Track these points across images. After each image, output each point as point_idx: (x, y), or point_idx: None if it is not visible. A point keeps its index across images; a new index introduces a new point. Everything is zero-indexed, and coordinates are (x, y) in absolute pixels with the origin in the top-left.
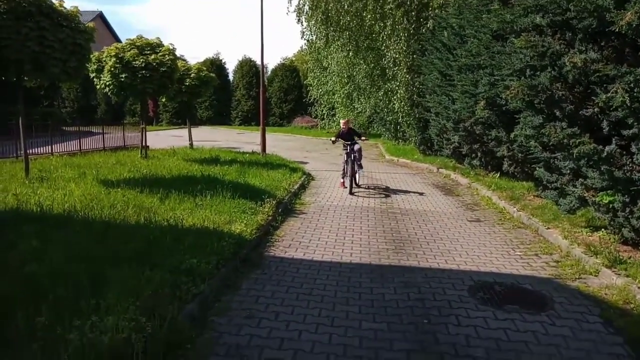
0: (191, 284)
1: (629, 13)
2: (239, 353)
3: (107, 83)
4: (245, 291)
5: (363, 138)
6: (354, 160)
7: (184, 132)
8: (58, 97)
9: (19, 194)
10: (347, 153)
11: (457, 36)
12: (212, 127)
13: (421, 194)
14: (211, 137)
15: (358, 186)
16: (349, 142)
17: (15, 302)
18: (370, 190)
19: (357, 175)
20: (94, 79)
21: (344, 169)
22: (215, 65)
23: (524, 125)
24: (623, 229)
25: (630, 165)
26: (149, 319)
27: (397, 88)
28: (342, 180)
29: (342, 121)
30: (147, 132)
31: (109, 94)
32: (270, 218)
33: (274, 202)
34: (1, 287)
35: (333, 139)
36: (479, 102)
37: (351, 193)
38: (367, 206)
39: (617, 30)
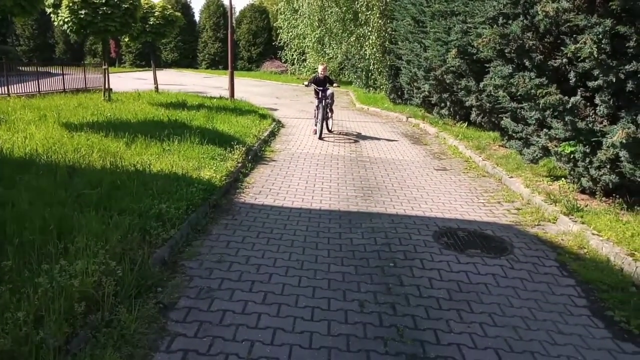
0: (161, 229)
1: None
2: (210, 295)
3: (66, 20)
4: (216, 236)
5: (335, 85)
6: (325, 106)
7: (147, 74)
8: (11, 33)
9: None
10: (319, 99)
11: None
12: (178, 70)
13: (390, 142)
14: (177, 81)
15: (330, 132)
16: (322, 88)
17: None
18: (341, 138)
19: (329, 121)
20: (51, 15)
21: (315, 116)
22: (180, 4)
23: (494, 75)
24: (582, 178)
25: (593, 116)
26: (119, 263)
27: (369, 33)
28: (314, 128)
29: (320, 66)
30: (110, 74)
31: (67, 31)
32: (239, 165)
33: (243, 148)
34: None
35: (306, 83)
36: (450, 50)
37: (321, 138)
38: (337, 154)
39: None
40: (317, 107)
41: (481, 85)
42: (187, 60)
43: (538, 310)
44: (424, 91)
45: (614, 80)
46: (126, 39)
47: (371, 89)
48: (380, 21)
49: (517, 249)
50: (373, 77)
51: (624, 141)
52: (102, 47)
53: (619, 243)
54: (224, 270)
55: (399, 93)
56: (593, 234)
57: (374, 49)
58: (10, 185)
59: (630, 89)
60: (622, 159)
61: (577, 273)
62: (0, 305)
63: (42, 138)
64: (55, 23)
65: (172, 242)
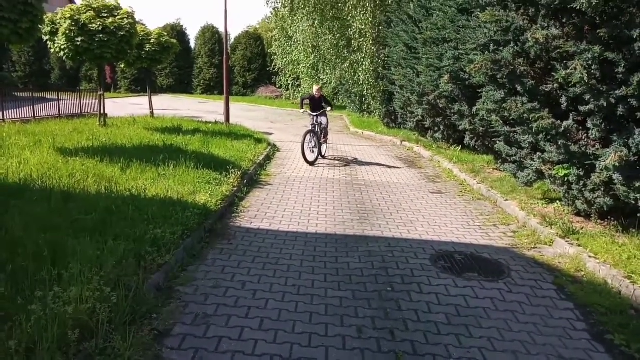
0: (156, 254)
1: None
2: (206, 321)
3: (62, 47)
4: (211, 261)
5: (329, 109)
6: (319, 132)
7: (143, 100)
8: (7, 60)
9: None
10: (312, 125)
11: (423, 9)
12: (173, 96)
13: (385, 165)
14: (172, 106)
15: (323, 157)
16: (316, 114)
17: None
18: (336, 162)
19: (323, 147)
20: (48, 42)
21: (304, 141)
22: (176, 31)
23: (486, 100)
24: (577, 201)
25: (586, 140)
26: (113, 289)
27: (362, 60)
28: (304, 156)
29: (315, 86)
30: (106, 100)
31: (64, 58)
32: (235, 189)
33: (239, 172)
34: None
35: (302, 109)
36: (443, 75)
37: (312, 164)
38: (332, 178)
39: (578, 7)
40: (309, 132)
41: (474, 109)
42: (182, 85)
43: (538, 334)
44: (418, 115)
45: (605, 105)
46: (122, 65)
47: (365, 113)
48: (373, 48)
49: (515, 272)
50: (367, 101)
51: (617, 164)
52: (98, 74)
53: (616, 266)
54: (219, 295)
55: (393, 117)
56: (590, 256)
57: (368, 75)
58: (4, 211)
59: (621, 113)
60: (616, 181)
61: (576, 296)
62: None
63: (37, 163)
64: (52, 50)
65: (167, 267)
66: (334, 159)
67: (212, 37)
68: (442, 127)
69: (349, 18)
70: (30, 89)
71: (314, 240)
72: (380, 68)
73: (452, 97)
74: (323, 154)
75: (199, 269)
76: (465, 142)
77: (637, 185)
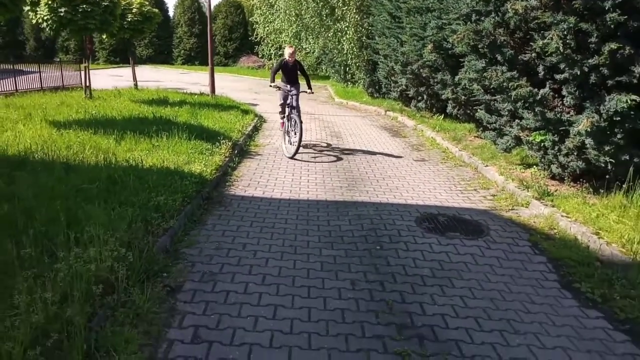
0: (161, 220)
1: None
2: (213, 278)
3: (45, 18)
4: (211, 226)
5: (308, 91)
6: (295, 116)
7: (122, 71)
8: None
9: None
10: (288, 105)
11: None
12: (154, 67)
13: (370, 135)
14: (154, 77)
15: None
16: (291, 89)
17: None
18: (321, 133)
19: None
20: (28, 12)
21: (284, 129)
22: None
23: (468, 69)
24: (552, 165)
25: (561, 107)
26: (127, 250)
27: (346, 28)
28: (281, 121)
29: (288, 49)
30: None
31: (46, 29)
32: (227, 159)
33: (229, 143)
34: None
35: (272, 83)
36: (426, 45)
37: (293, 157)
38: (321, 147)
39: None
40: (286, 116)
41: (456, 78)
42: (162, 56)
43: (513, 284)
44: (401, 85)
45: (579, 73)
46: (104, 36)
47: (349, 83)
48: (357, 16)
49: (493, 231)
50: (351, 71)
51: (588, 129)
52: (82, 45)
53: (586, 223)
54: (222, 256)
55: (377, 87)
56: (562, 216)
57: (352, 44)
58: (10, 182)
59: (594, 81)
60: (588, 146)
61: (548, 251)
62: (27, 288)
63: (32, 136)
64: (34, 21)
65: (171, 231)
66: (320, 129)
67: (192, 5)
68: (425, 97)
69: None
70: (11, 62)
71: (306, 206)
72: (364, 37)
73: (435, 66)
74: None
75: (200, 233)
76: (447, 111)
77: (606, 149)
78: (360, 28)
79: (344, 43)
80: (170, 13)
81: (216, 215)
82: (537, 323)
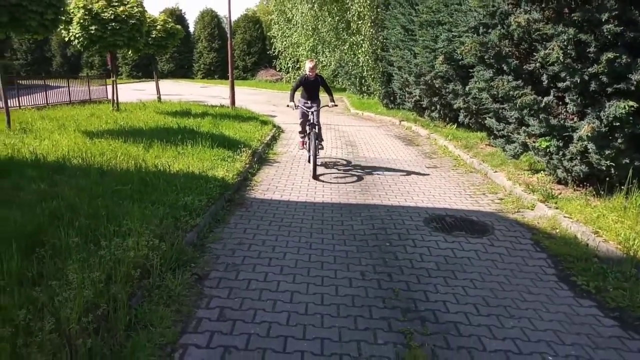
0: (188, 217)
1: None
2: (236, 269)
3: (77, 35)
4: (234, 225)
5: (331, 104)
6: (316, 133)
7: (145, 85)
8: (8, 48)
9: (8, 144)
10: (308, 124)
11: None
12: (174, 81)
13: (384, 143)
14: (175, 91)
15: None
16: (311, 106)
17: (49, 228)
18: (337, 142)
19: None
20: (61, 31)
21: (302, 126)
22: (175, 15)
23: (477, 79)
24: (557, 170)
25: (564, 114)
26: (160, 242)
27: (361, 42)
28: (301, 140)
29: (309, 63)
30: (108, 86)
31: (78, 46)
32: (247, 166)
33: (249, 151)
34: (33, 219)
35: (291, 103)
36: (438, 56)
37: (315, 177)
38: (336, 156)
39: None
40: (307, 134)
41: (467, 88)
42: (182, 70)
43: (513, 277)
44: (415, 96)
45: (579, 81)
46: (129, 52)
47: (365, 94)
48: (372, 30)
49: (498, 230)
50: (366, 83)
51: (589, 135)
52: (110, 61)
53: (586, 223)
54: (244, 250)
55: (392, 98)
56: (564, 216)
57: (367, 57)
58: (53, 184)
59: (594, 89)
60: (590, 150)
61: (549, 249)
62: (78, 269)
63: (68, 144)
64: (66, 38)
65: (198, 228)
66: (335, 139)
67: (211, 21)
68: (438, 107)
69: (348, 1)
70: (42, 77)
71: (321, 208)
72: (378, 50)
73: (447, 77)
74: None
75: (224, 231)
76: (459, 120)
77: (607, 153)
78: (375, 41)
79: (360, 56)
80: (191, 29)
81: (238, 215)
82: (532, 309)
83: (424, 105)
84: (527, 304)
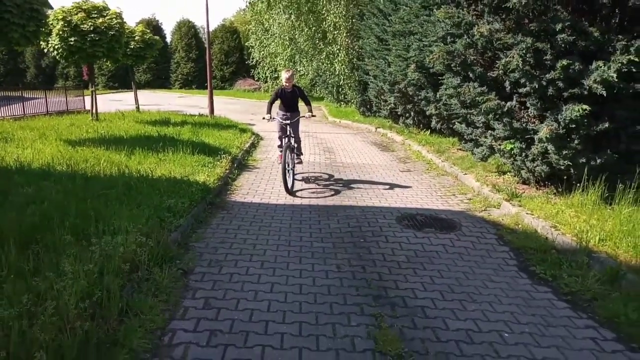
0: (172, 218)
1: None
2: (219, 264)
3: (56, 47)
4: (216, 226)
5: (308, 115)
6: (292, 147)
7: (122, 96)
8: None
9: None
10: (283, 136)
11: (392, 3)
12: (152, 91)
13: (361, 150)
14: (153, 101)
15: (292, 189)
16: (288, 119)
17: (41, 228)
18: (315, 148)
19: (295, 166)
20: (40, 42)
21: (280, 139)
22: (151, 26)
23: (447, 86)
24: (521, 170)
25: (526, 117)
26: (147, 239)
27: (338, 51)
28: (279, 154)
29: (285, 73)
30: (87, 97)
31: (57, 57)
32: (227, 171)
33: (229, 157)
34: (25, 219)
35: (267, 116)
36: (410, 65)
37: (291, 193)
38: (314, 161)
39: (510, 6)
40: (287, 147)
41: (438, 95)
42: (160, 80)
43: (477, 268)
44: (390, 103)
45: (537, 87)
46: (107, 63)
47: (342, 103)
48: (347, 40)
49: (465, 227)
50: (343, 91)
51: (548, 136)
52: (89, 72)
53: (546, 219)
54: (226, 248)
55: (368, 106)
56: (527, 213)
57: (343, 66)
58: (39, 189)
59: (551, 93)
60: (550, 151)
61: (511, 242)
62: (72, 262)
63: (51, 152)
64: (45, 50)
65: (182, 228)
66: (312, 146)
67: (188, 31)
68: (412, 114)
69: (324, 11)
70: (19, 88)
71: (300, 209)
72: (354, 59)
73: (419, 84)
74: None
75: (206, 231)
76: (432, 126)
77: (565, 153)
78: (351, 50)
79: (336, 65)
80: (168, 39)
81: (219, 217)
82: (493, 295)
83: (398, 113)
84: (488, 290)
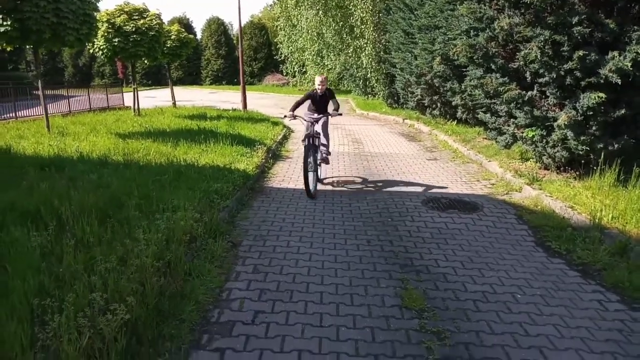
0: (219, 200)
1: None
2: (263, 238)
3: (101, 47)
4: (257, 207)
5: (333, 112)
6: (316, 146)
7: (155, 92)
8: (22, 60)
9: (53, 145)
10: (308, 135)
11: None
12: (184, 87)
13: (389, 140)
14: (186, 97)
15: (321, 182)
16: (314, 118)
17: (112, 206)
18: (344, 139)
19: (319, 169)
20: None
21: (305, 162)
22: (182, 24)
23: (471, 77)
24: (543, 156)
25: (547, 106)
26: (202, 216)
27: (365, 45)
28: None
29: (318, 78)
30: (123, 94)
31: (102, 57)
32: (263, 160)
33: (264, 148)
34: (99, 199)
35: (288, 114)
36: (435, 58)
37: (312, 196)
38: (343, 151)
39: (529, 2)
40: (309, 147)
41: (463, 86)
42: (191, 77)
43: (496, 243)
44: (417, 95)
45: (556, 77)
46: (146, 61)
47: (369, 95)
48: (374, 34)
49: (487, 208)
50: (370, 84)
51: (566, 123)
52: (130, 70)
53: (564, 200)
54: (268, 225)
55: (395, 98)
56: (546, 195)
57: (370, 59)
58: (101, 175)
59: (570, 83)
60: (569, 138)
61: (530, 222)
62: (143, 232)
63: (105, 144)
64: (91, 50)
65: (228, 209)
66: (342, 137)
67: (218, 28)
68: (439, 105)
69: (351, 6)
70: (64, 87)
71: (331, 194)
72: (381, 52)
73: (445, 76)
74: (319, 177)
75: (249, 212)
76: (458, 116)
77: (583, 139)
78: (378, 44)
79: (363, 58)
80: (198, 36)
81: (259, 200)
82: (510, 265)
83: (425, 104)
84: (505, 261)
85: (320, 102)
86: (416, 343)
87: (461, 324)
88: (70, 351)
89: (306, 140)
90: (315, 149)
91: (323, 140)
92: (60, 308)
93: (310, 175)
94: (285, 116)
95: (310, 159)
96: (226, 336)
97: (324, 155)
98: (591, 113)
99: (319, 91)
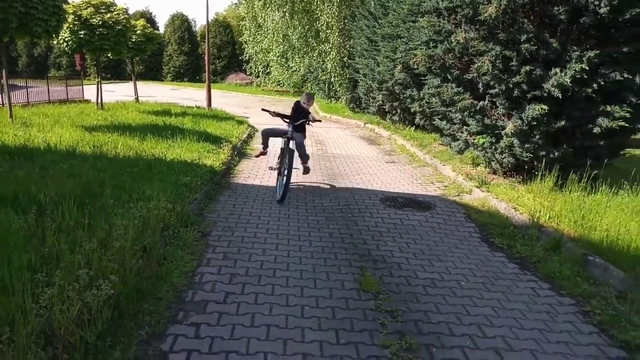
0: (189, 193)
1: (492, 7)
2: (231, 229)
3: (67, 39)
4: (224, 201)
5: (312, 118)
6: (291, 150)
7: (115, 86)
8: None
9: (19, 135)
10: (285, 135)
11: (382, 7)
12: (145, 82)
13: (350, 143)
14: (147, 93)
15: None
16: (291, 134)
17: (87, 195)
18: (307, 140)
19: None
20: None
21: (278, 163)
22: (145, 18)
23: (429, 86)
24: (492, 162)
25: (496, 115)
26: (173, 207)
27: (329, 50)
28: (261, 150)
29: (306, 94)
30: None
31: (66, 49)
32: (229, 157)
33: (230, 145)
34: (72, 189)
35: (276, 112)
36: (397, 66)
37: (281, 201)
38: (307, 152)
39: (482, 19)
40: (286, 149)
41: (421, 94)
42: (152, 72)
43: (445, 238)
44: (378, 101)
45: (505, 89)
46: (109, 55)
47: (332, 99)
48: (339, 39)
49: (439, 207)
50: (334, 88)
51: (512, 132)
52: (96, 63)
53: (508, 202)
54: (235, 218)
55: (357, 103)
56: (493, 197)
57: (335, 63)
58: (71, 166)
59: (517, 95)
60: (515, 145)
61: (477, 220)
62: (120, 219)
63: (72, 136)
64: (55, 42)
65: (197, 202)
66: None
67: (182, 24)
68: (398, 111)
69: (317, 11)
70: (24, 77)
71: (295, 190)
72: (345, 57)
73: (405, 84)
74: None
75: (216, 205)
76: (416, 122)
77: (527, 147)
78: (343, 49)
79: (328, 63)
80: (161, 31)
81: (226, 195)
82: (457, 257)
83: (386, 110)
84: (453, 254)
85: (301, 113)
86: (372, 320)
87: (412, 305)
88: (62, 319)
89: (286, 137)
90: (290, 153)
91: (303, 149)
92: (50, 282)
93: (280, 179)
94: (262, 109)
95: (286, 161)
96: (200, 313)
97: (306, 165)
98: (535, 123)
99: (305, 106)
